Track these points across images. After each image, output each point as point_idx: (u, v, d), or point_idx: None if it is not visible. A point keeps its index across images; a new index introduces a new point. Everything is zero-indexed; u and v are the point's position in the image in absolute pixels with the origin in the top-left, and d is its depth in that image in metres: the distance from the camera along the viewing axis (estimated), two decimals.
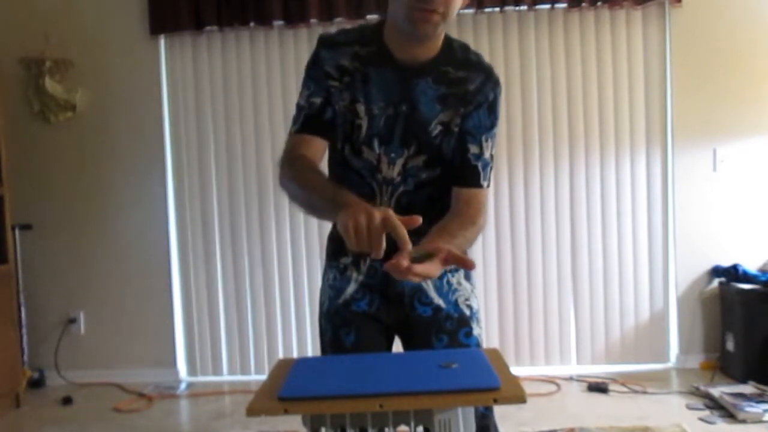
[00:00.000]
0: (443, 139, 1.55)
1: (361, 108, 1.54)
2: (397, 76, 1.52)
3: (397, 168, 1.57)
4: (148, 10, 3.87)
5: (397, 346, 1.71)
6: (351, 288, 1.64)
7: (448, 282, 1.63)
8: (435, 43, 1.52)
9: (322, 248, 3.88)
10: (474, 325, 1.63)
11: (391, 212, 1.22)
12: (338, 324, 1.64)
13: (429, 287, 1.62)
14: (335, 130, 1.58)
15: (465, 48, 1.57)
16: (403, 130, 1.54)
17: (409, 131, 1.54)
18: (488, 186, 1.59)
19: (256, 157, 3.93)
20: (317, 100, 1.56)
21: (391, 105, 1.53)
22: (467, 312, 1.62)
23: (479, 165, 1.56)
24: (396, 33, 1.51)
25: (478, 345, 1.63)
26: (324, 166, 1.60)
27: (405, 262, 1.20)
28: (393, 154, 1.56)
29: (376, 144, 1.56)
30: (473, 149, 1.55)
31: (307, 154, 1.53)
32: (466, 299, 1.64)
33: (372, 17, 3.68)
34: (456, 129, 1.54)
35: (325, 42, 1.57)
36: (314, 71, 1.57)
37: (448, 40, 1.55)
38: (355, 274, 1.64)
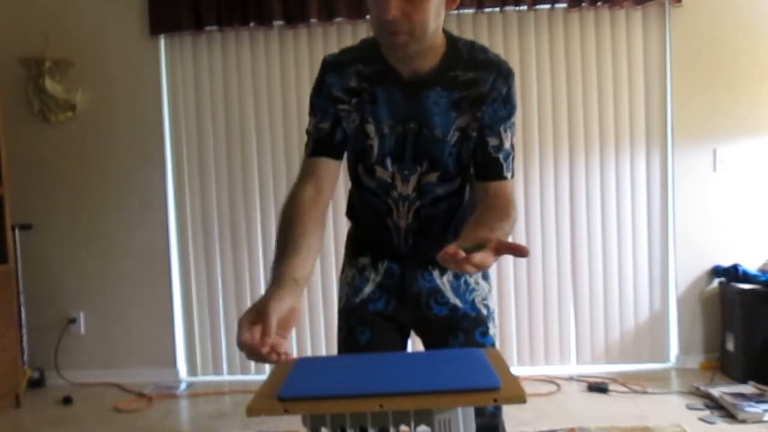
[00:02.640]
0: (462, 144, 1.52)
1: (370, 128, 1.52)
2: (404, 93, 1.49)
3: (412, 185, 1.55)
4: (148, 10, 3.87)
5: (413, 345, 1.71)
6: (368, 288, 1.65)
7: (466, 282, 1.63)
8: (433, 51, 1.46)
9: (322, 248, 3.89)
10: (490, 325, 1.63)
11: (270, 319, 1.21)
12: (354, 322, 1.65)
13: (446, 288, 1.62)
14: (345, 152, 1.57)
15: (470, 46, 1.51)
16: (414, 148, 1.52)
17: (420, 148, 1.52)
18: (513, 176, 1.54)
19: (257, 157, 3.93)
20: (326, 126, 1.53)
21: (399, 123, 1.51)
22: (484, 311, 1.63)
23: (500, 156, 1.51)
24: (385, 52, 1.48)
25: (493, 345, 1.63)
26: (337, 190, 1.58)
27: (462, 252, 1.16)
28: (406, 172, 1.55)
29: (388, 163, 1.54)
30: (492, 142, 1.51)
31: (312, 191, 1.48)
32: (484, 299, 1.64)
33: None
34: (473, 133, 1.51)
35: (330, 65, 1.53)
36: (320, 100, 1.54)
37: (452, 41, 1.50)
38: (372, 275, 1.65)
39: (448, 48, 1.49)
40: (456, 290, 1.62)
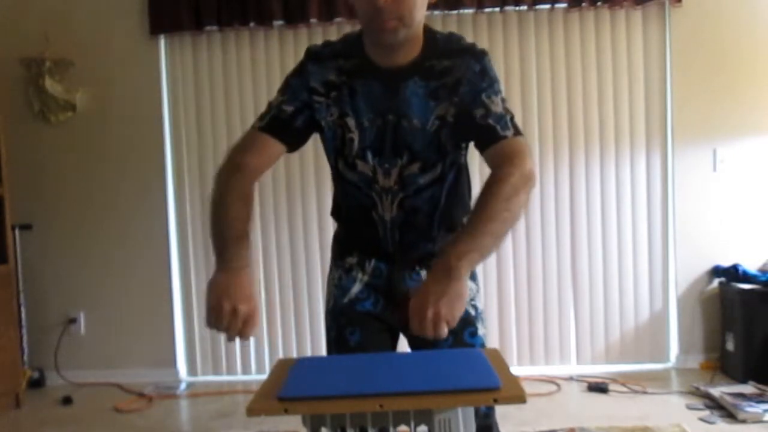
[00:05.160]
0: (441, 132, 1.52)
1: (351, 122, 1.53)
2: (383, 85, 1.51)
3: (394, 177, 1.55)
4: (147, 10, 3.87)
5: (402, 346, 1.71)
6: (356, 288, 1.64)
7: None
8: (414, 43, 1.49)
9: (322, 248, 3.89)
10: (479, 325, 1.63)
11: (256, 316, 1.29)
12: (343, 323, 1.64)
13: None
14: (299, 139, 1.57)
15: (447, 37, 1.54)
16: (393, 140, 1.53)
17: (399, 140, 1.53)
18: (516, 134, 1.47)
19: None
20: (289, 109, 1.54)
21: (379, 116, 1.52)
22: (472, 312, 1.62)
23: (491, 121, 1.47)
24: (370, 42, 1.50)
25: (483, 345, 1.63)
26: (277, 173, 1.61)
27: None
28: (387, 165, 1.55)
29: (369, 156, 1.55)
30: (479, 112, 1.48)
31: (252, 165, 1.51)
32: (471, 299, 1.63)
33: None
34: (452, 119, 1.51)
35: (312, 55, 1.56)
36: (296, 81, 1.55)
37: (431, 35, 1.52)
38: (360, 275, 1.65)
39: (426, 40, 1.51)
40: None
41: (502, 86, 1.55)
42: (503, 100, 1.51)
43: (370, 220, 1.61)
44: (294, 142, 1.57)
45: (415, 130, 1.52)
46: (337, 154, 1.58)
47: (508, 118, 1.49)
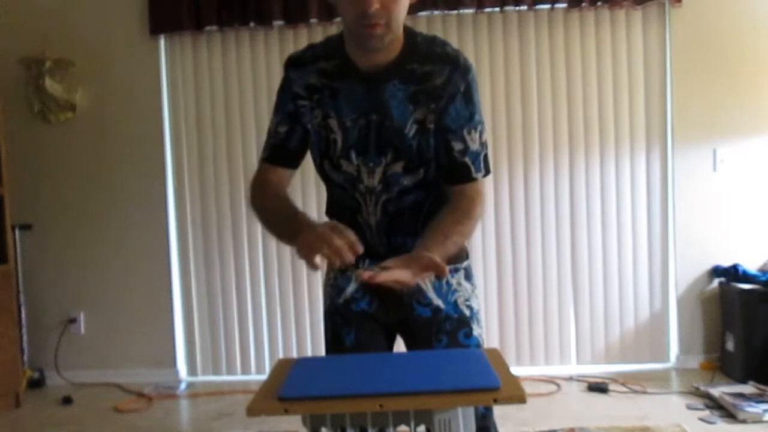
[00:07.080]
0: (420, 137, 1.52)
1: (333, 123, 1.54)
2: (364, 85, 1.51)
3: (378, 177, 1.56)
4: (147, 10, 3.87)
5: (399, 346, 1.71)
6: (351, 288, 1.65)
7: (448, 283, 1.63)
8: (394, 45, 1.49)
9: None
10: (474, 326, 1.62)
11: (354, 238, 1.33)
12: (339, 323, 1.65)
13: (428, 288, 1.61)
14: (301, 156, 1.63)
15: (430, 40, 1.53)
16: (377, 139, 1.53)
17: (383, 139, 1.53)
18: (485, 174, 1.56)
19: (256, 157, 3.91)
20: (283, 129, 1.59)
21: (362, 116, 1.52)
22: (467, 312, 1.62)
23: (467, 159, 1.53)
24: (352, 44, 1.50)
25: (479, 345, 1.62)
26: (293, 191, 1.73)
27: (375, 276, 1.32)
28: (371, 164, 1.55)
29: (353, 156, 1.55)
30: (457, 146, 1.52)
31: (273, 180, 1.61)
32: (466, 300, 1.63)
33: None
34: (431, 126, 1.51)
35: (292, 62, 1.60)
36: (283, 96, 1.60)
37: (411, 36, 1.52)
38: (354, 275, 1.65)
39: (407, 42, 1.51)
40: (438, 291, 1.61)
41: (483, 110, 1.59)
42: (481, 132, 1.55)
43: (356, 224, 1.61)
44: (298, 162, 1.65)
45: (398, 131, 1.52)
46: (323, 155, 1.59)
47: (482, 156, 1.55)
